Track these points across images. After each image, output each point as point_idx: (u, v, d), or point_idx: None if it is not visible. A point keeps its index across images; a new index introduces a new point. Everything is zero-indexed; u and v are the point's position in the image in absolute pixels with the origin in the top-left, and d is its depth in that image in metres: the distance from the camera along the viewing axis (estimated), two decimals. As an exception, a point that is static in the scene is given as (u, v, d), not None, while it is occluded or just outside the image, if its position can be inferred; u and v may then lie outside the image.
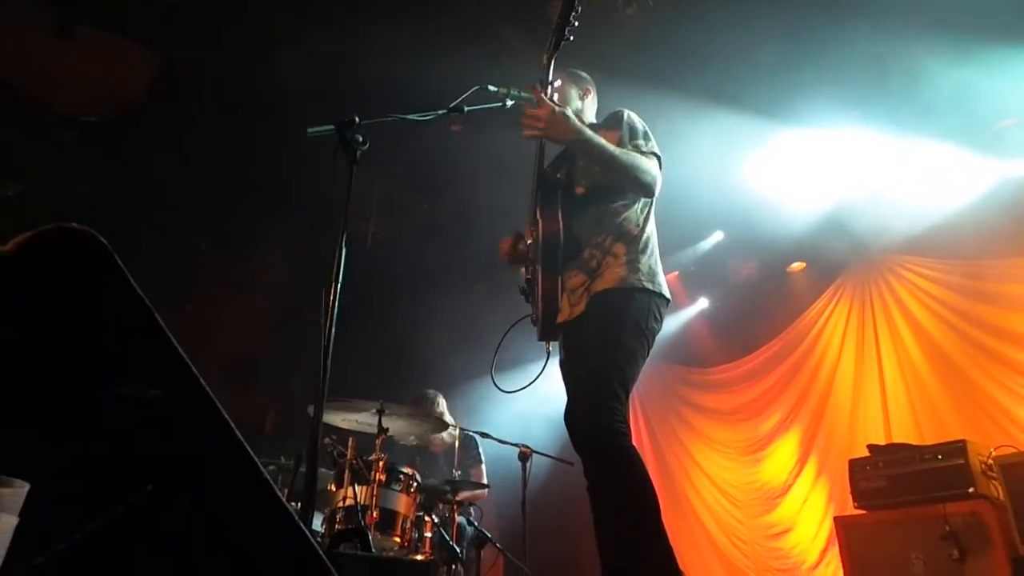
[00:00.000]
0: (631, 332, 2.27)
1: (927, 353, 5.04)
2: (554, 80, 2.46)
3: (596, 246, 2.42)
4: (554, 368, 2.58)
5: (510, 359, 2.88)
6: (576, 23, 2.33)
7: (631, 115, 2.56)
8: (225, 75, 4.73)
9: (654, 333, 2.35)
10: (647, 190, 2.42)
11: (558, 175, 2.59)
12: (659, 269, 2.46)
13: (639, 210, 2.51)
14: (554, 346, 2.59)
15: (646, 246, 2.46)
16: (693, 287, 6.84)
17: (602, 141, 2.36)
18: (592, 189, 2.50)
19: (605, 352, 2.22)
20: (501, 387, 2.67)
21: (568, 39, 2.35)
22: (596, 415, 2.13)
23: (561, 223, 2.43)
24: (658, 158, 2.50)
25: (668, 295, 2.43)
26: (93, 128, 4.87)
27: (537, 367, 2.58)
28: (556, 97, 2.49)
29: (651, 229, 2.53)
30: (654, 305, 2.36)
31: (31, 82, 4.59)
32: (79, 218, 0.91)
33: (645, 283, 2.35)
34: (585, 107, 2.76)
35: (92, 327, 0.92)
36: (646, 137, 2.51)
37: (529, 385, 2.61)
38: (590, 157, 2.45)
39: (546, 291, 2.43)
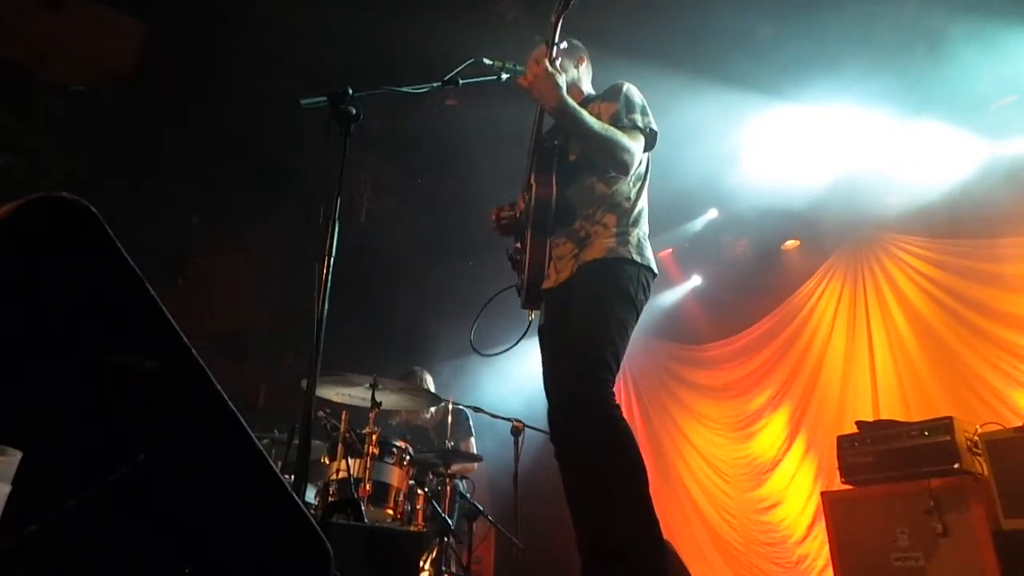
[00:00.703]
0: (621, 303, 2.28)
1: (916, 331, 5.08)
2: (560, 41, 2.40)
3: (586, 217, 2.41)
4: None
5: (499, 331, 2.88)
6: None
7: (630, 88, 2.53)
8: (217, 46, 4.67)
9: (642, 304, 2.36)
10: (622, 168, 2.37)
11: (555, 141, 2.57)
12: (647, 243, 2.46)
13: (631, 183, 2.49)
14: (536, 314, 2.58)
15: (637, 220, 2.46)
16: (687, 264, 6.85)
17: (582, 114, 2.32)
18: (585, 158, 2.48)
19: (595, 323, 2.23)
20: (483, 352, 2.69)
21: None
22: (588, 387, 2.14)
23: (554, 188, 2.42)
24: (654, 134, 2.47)
25: (655, 269, 2.43)
26: (83, 99, 4.80)
27: (526, 338, 2.58)
28: (560, 61, 2.43)
29: (643, 203, 2.52)
30: (643, 277, 2.36)
31: (20, 52, 4.52)
32: (69, 191, 0.90)
33: (634, 255, 2.35)
34: (581, 75, 2.72)
35: (83, 296, 0.92)
36: (643, 112, 2.48)
37: (508, 350, 2.61)
38: (568, 128, 2.43)
39: (534, 256, 2.41)
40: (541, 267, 2.42)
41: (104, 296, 0.95)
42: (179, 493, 1.00)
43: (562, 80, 2.33)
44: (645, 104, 2.51)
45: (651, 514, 2.03)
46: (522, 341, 2.60)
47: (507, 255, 2.66)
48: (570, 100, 2.32)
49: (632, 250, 2.36)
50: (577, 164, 2.49)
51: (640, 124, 2.43)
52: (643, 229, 2.48)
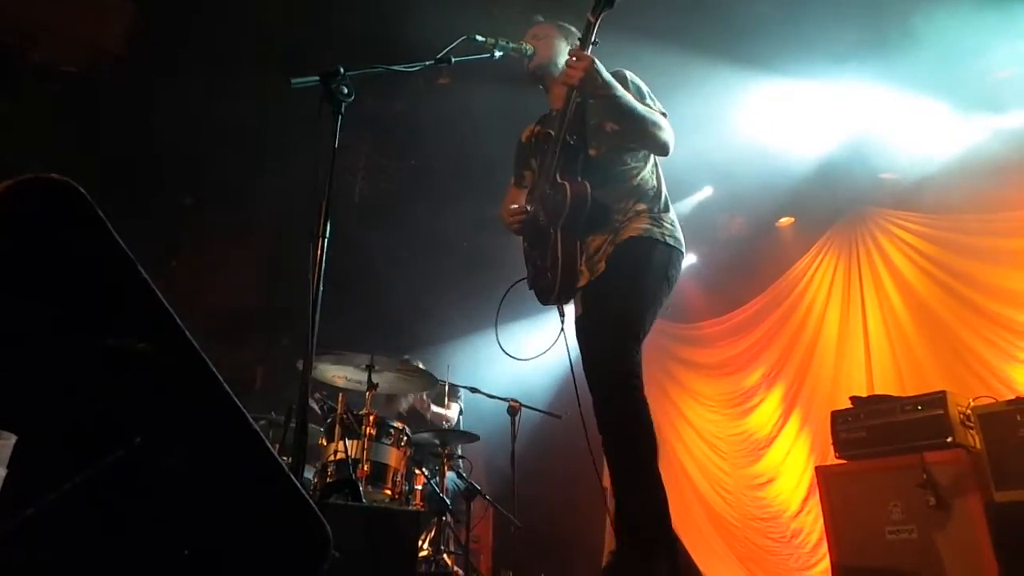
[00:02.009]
0: (654, 279, 2.36)
1: (910, 306, 5.10)
2: (596, 40, 2.37)
3: (619, 211, 2.44)
4: (550, 324, 2.58)
5: (509, 320, 2.88)
6: None
7: (634, 76, 2.57)
8: (208, 23, 4.61)
9: (673, 283, 2.44)
10: (664, 148, 2.47)
11: (572, 138, 2.55)
12: (679, 226, 2.53)
13: (651, 171, 2.55)
14: (567, 309, 2.58)
15: (667, 204, 2.54)
16: (682, 242, 6.84)
17: (631, 100, 2.37)
18: (606, 151, 2.50)
19: (629, 298, 2.30)
20: (511, 354, 2.70)
21: None
22: (617, 359, 2.22)
23: (588, 186, 2.42)
24: (664, 117, 2.52)
25: (684, 252, 2.51)
26: (74, 80, 4.74)
27: (537, 327, 2.59)
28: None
29: (665, 189, 2.58)
30: (675, 257, 2.45)
31: (9, 33, 4.46)
32: (59, 172, 0.89)
33: (667, 238, 2.43)
34: None
35: (74, 278, 0.91)
36: (651, 98, 2.54)
37: (544, 353, 2.61)
38: (617, 113, 2.41)
39: (567, 255, 2.42)
40: (575, 265, 2.43)
41: (95, 278, 0.94)
42: (176, 476, 1.00)
43: (603, 67, 2.33)
44: (650, 91, 2.58)
45: (660, 485, 2.15)
46: (532, 327, 2.61)
47: (525, 255, 2.64)
48: (619, 86, 2.36)
49: (666, 233, 2.43)
50: (599, 158, 2.50)
51: (655, 108, 2.49)
52: (673, 212, 2.55)
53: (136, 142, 5.09)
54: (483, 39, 2.48)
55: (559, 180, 2.43)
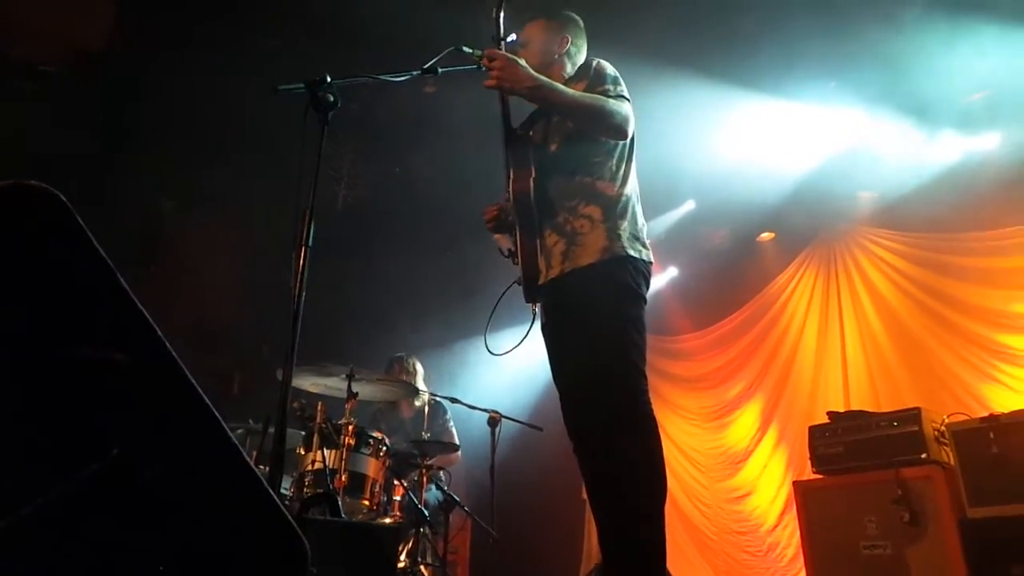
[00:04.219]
0: (630, 301, 2.27)
1: (886, 323, 5.17)
2: (507, 36, 2.41)
3: (569, 209, 2.37)
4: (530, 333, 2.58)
5: (492, 322, 2.87)
6: None
7: (600, 62, 2.50)
8: (190, 25, 4.57)
9: (646, 294, 2.35)
10: (619, 132, 2.35)
11: (531, 133, 2.54)
12: (640, 231, 2.41)
13: (613, 167, 2.43)
14: (539, 308, 2.57)
15: (625, 209, 2.39)
16: (663, 256, 6.86)
17: (560, 88, 2.31)
18: (566, 147, 2.45)
19: (614, 330, 2.22)
20: (491, 350, 2.66)
21: None
22: (627, 397, 2.21)
23: (532, 180, 2.37)
24: (628, 102, 2.42)
25: (651, 258, 2.40)
26: (52, 79, 4.67)
27: (518, 330, 2.57)
28: (520, 52, 2.44)
29: (630, 190, 2.45)
30: (641, 267, 2.34)
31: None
32: (37, 176, 0.87)
33: (628, 250, 2.30)
34: (562, 59, 2.63)
35: (52, 287, 0.89)
36: (615, 82, 2.44)
37: (517, 346, 2.59)
38: (549, 105, 2.39)
39: (525, 251, 2.40)
40: (533, 261, 2.40)
41: (74, 286, 0.92)
42: (152, 489, 0.98)
43: (523, 61, 2.31)
44: (617, 75, 2.47)
45: (663, 525, 2.16)
46: (515, 330, 2.59)
47: (506, 250, 2.60)
48: (542, 77, 2.31)
49: (626, 245, 2.31)
50: (556, 155, 2.46)
51: (612, 93, 2.38)
52: (633, 218, 2.41)
53: (115, 144, 5.02)
54: (470, 50, 2.48)
55: (509, 175, 2.42)
